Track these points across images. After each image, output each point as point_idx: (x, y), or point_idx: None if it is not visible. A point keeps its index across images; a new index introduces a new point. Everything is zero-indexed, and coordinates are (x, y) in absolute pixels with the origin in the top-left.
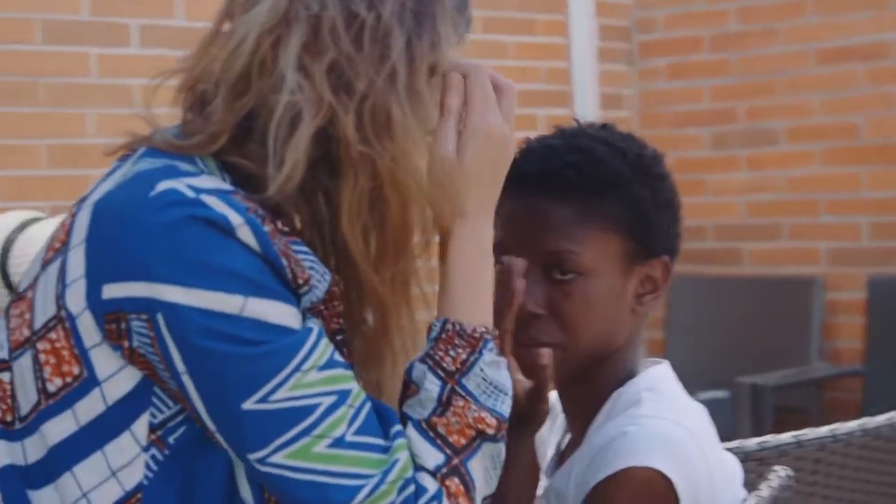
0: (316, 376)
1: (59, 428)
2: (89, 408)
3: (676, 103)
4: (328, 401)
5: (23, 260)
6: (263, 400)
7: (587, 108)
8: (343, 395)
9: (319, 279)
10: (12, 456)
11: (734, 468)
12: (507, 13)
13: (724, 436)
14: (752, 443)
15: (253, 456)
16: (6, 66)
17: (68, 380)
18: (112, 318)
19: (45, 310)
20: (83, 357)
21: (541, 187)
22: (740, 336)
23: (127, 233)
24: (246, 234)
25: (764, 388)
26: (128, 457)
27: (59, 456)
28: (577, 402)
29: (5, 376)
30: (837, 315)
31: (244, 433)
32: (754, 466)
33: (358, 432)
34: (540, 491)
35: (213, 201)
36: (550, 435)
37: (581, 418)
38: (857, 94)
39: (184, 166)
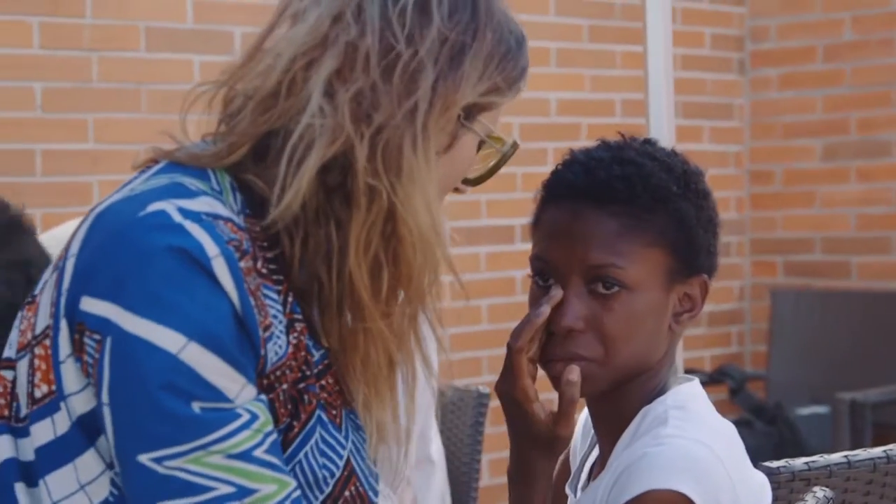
0: (220, 461)
1: (42, 434)
2: (61, 420)
3: (788, 114)
4: (224, 489)
5: None
6: (158, 461)
7: (662, 118)
8: (243, 492)
9: (280, 332)
10: (14, 450)
11: (763, 489)
12: (615, 21)
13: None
14: (799, 462)
15: None
16: (111, 72)
17: (53, 388)
18: (80, 328)
19: (44, 316)
20: (56, 370)
21: (586, 198)
22: (846, 351)
23: (109, 250)
24: (220, 267)
25: (863, 405)
26: (94, 473)
27: (40, 461)
28: (606, 417)
29: (9, 374)
30: None
31: (131, 483)
32: (801, 486)
33: None
34: None
35: (194, 228)
36: (583, 448)
37: (609, 434)
38: None
39: (193, 184)
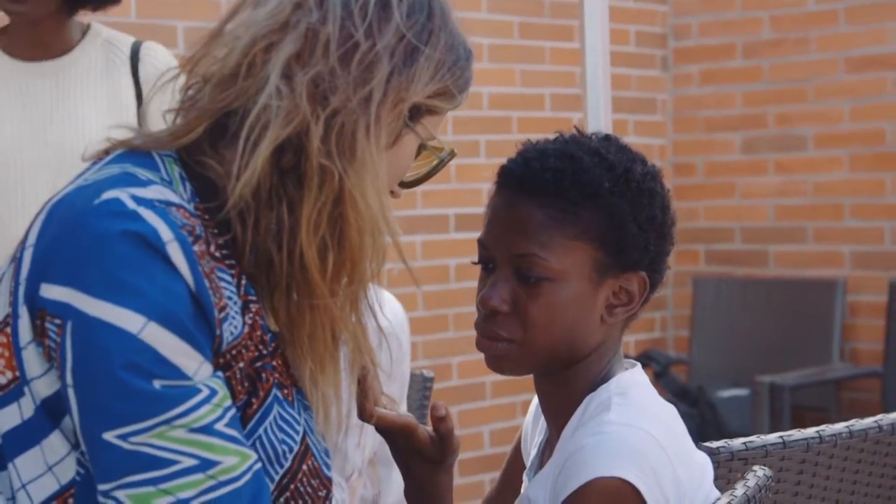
0: (183, 435)
1: (8, 419)
2: (27, 404)
3: (709, 108)
4: (187, 462)
5: None
6: (123, 437)
7: (599, 112)
8: (206, 464)
9: (236, 313)
10: None
11: (704, 468)
12: (544, 19)
13: (744, 433)
14: (737, 442)
15: (100, 486)
16: None
17: (17, 374)
18: (41, 314)
19: (3, 305)
20: (17, 356)
21: (520, 188)
22: (764, 336)
23: (66, 238)
24: (175, 251)
25: (782, 388)
26: (60, 454)
27: (8, 445)
28: (552, 403)
29: None
30: (859, 317)
31: (98, 461)
32: (740, 466)
33: (208, 502)
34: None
35: (149, 215)
36: (534, 434)
37: (557, 420)
38: (884, 101)
39: (142, 174)
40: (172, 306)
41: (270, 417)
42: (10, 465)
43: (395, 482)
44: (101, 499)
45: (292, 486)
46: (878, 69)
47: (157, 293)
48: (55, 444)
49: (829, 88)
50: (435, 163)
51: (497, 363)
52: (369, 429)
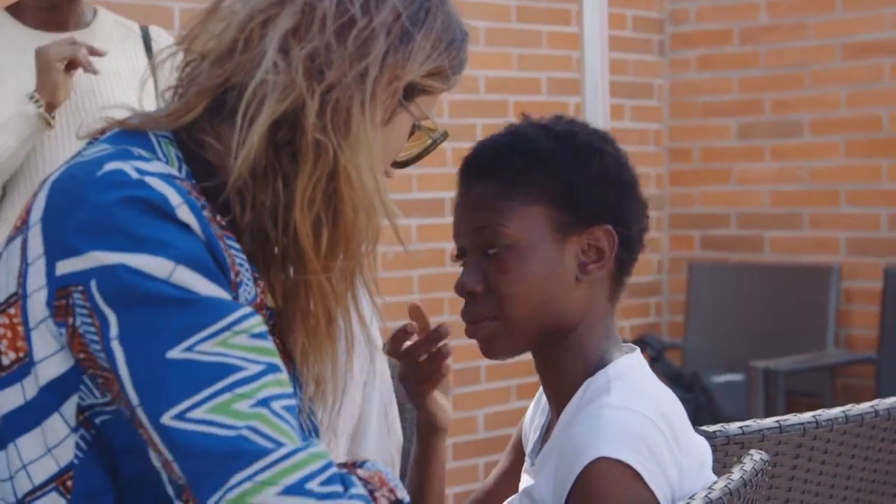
0: (246, 341)
1: (10, 399)
2: (30, 386)
3: (705, 94)
4: (255, 368)
5: None
6: (190, 349)
7: (597, 97)
8: (272, 368)
9: (248, 280)
10: None
11: (704, 453)
12: (542, 3)
13: (739, 418)
14: (734, 427)
15: (173, 411)
16: None
17: (21, 355)
18: (62, 293)
19: (6, 286)
20: (27, 337)
21: (473, 172)
22: (759, 321)
23: (73, 210)
24: (185, 214)
25: (776, 373)
26: (59, 437)
27: (8, 426)
28: (551, 384)
29: None
30: (853, 303)
31: (168, 385)
32: (736, 450)
33: (285, 407)
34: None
35: (155, 182)
36: (534, 417)
37: (557, 402)
38: (881, 87)
39: (140, 152)
40: (197, 253)
41: None
42: (10, 445)
43: (370, 440)
44: (177, 424)
45: None
46: (875, 55)
47: (178, 241)
48: (56, 426)
49: (825, 74)
50: (428, 143)
51: (488, 346)
52: (347, 406)
